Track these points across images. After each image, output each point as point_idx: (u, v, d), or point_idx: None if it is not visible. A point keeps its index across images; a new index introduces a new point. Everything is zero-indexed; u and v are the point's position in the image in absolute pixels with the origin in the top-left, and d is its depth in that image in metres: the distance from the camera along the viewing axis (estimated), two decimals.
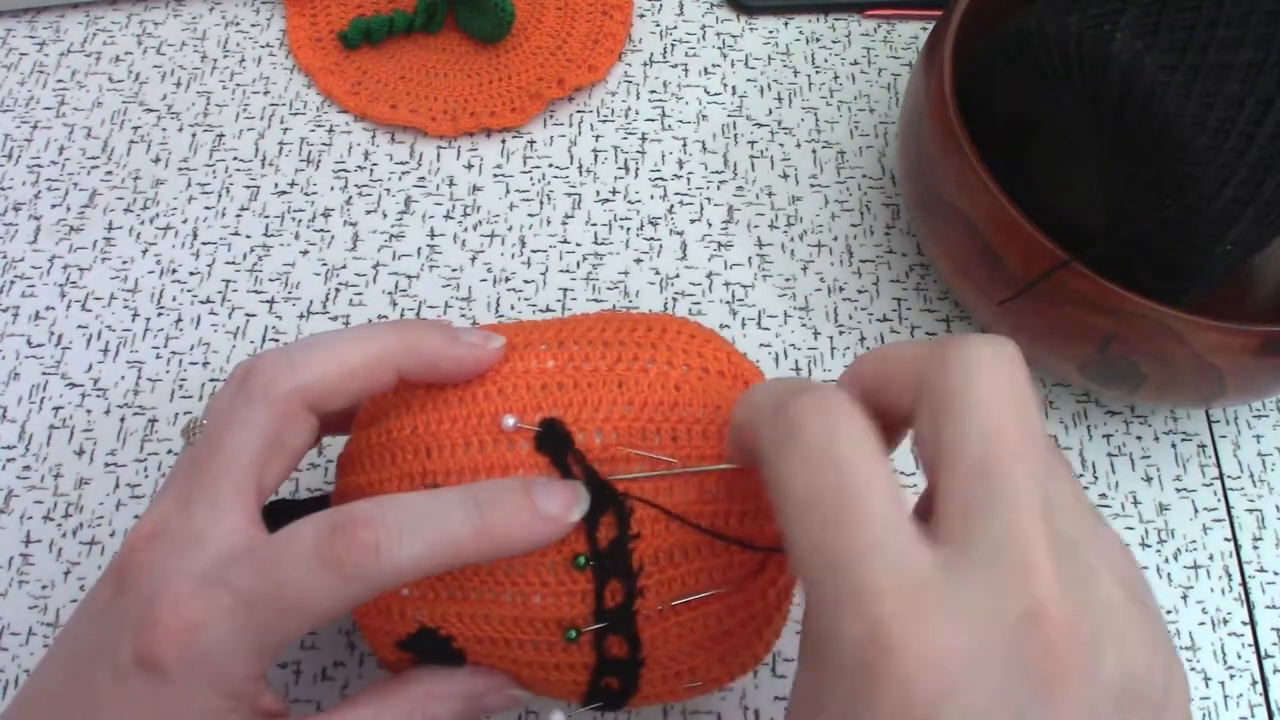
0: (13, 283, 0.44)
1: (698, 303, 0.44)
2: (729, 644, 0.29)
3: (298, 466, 0.31)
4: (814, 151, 0.49)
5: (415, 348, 0.29)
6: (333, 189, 0.46)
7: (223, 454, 0.27)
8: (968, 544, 0.20)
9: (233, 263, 0.44)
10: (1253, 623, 0.39)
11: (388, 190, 0.47)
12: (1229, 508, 0.42)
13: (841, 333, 0.44)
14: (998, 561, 0.19)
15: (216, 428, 0.28)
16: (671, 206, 0.47)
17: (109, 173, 0.46)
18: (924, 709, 0.18)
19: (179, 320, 0.43)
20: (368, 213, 0.46)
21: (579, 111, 0.49)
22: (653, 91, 0.50)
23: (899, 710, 0.18)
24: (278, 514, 0.31)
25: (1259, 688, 0.38)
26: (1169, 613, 0.39)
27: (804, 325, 0.44)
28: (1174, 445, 0.43)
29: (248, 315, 0.43)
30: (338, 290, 0.44)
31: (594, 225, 0.46)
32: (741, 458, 0.26)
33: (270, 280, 0.44)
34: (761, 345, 0.44)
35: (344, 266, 0.45)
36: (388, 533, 0.25)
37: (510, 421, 0.28)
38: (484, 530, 0.26)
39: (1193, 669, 0.38)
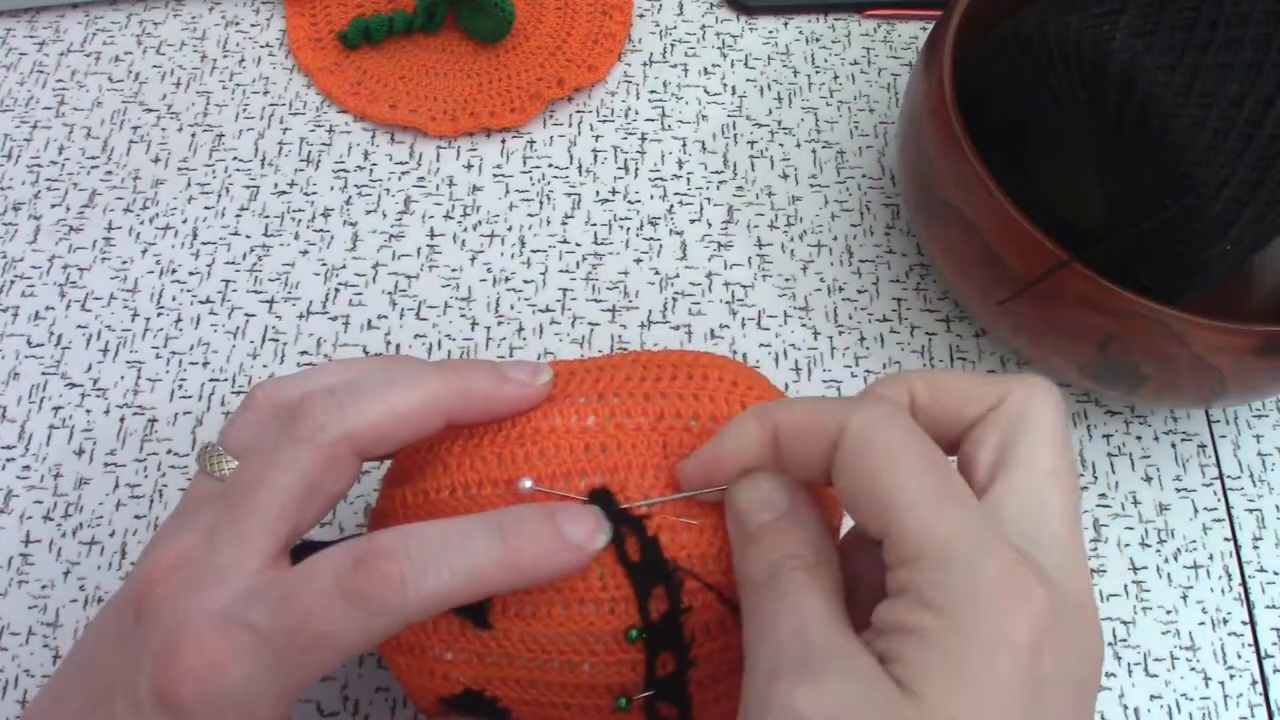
0: (13, 283, 0.44)
1: (697, 303, 0.44)
2: None
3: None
4: (814, 151, 0.49)
5: (465, 393, 0.28)
6: (332, 189, 0.46)
7: (262, 492, 0.26)
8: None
9: (232, 263, 0.44)
10: (1253, 623, 0.39)
11: (387, 190, 0.47)
12: (1229, 508, 0.41)
13: (841, 333, 0.44)
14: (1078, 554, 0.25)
15: (257, 464, 0.27)
16: (671, 206, 0.47)
17: (109, 173, 0.46)
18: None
19: (179, 320, 0.43)
20: (367, 213, 0.46)
21: (579, 111, 0.49)
22: (652, 91, 0.50)
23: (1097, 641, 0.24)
24: (305, 555, 0.31)
25: (1259, 688, 0.38)
26: (1169, 613, 0.39)
27: (804, 325, 0.44)
28: (1174, 445, 0.43)
29: (247, 315, 0.43)
30: (337, 290, 0.44)
31: (594, 225, 0.46)
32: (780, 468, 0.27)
33: (270, 280, 0.44)
34: (761, 345, 0.44)
35: (344, 266, 0.45)
36: (412, 564, 0.25)
37: (527, 484, 0.27)
38: (509, 559, 0.25)
39: (1193, 669, 0.38)
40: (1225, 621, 0.39)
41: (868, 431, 0.24)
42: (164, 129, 0.48)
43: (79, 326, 0.43)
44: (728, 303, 0.45)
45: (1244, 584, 0.40)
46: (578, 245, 0.46)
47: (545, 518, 0.26)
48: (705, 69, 0.51)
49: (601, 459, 0.28)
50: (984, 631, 0.22)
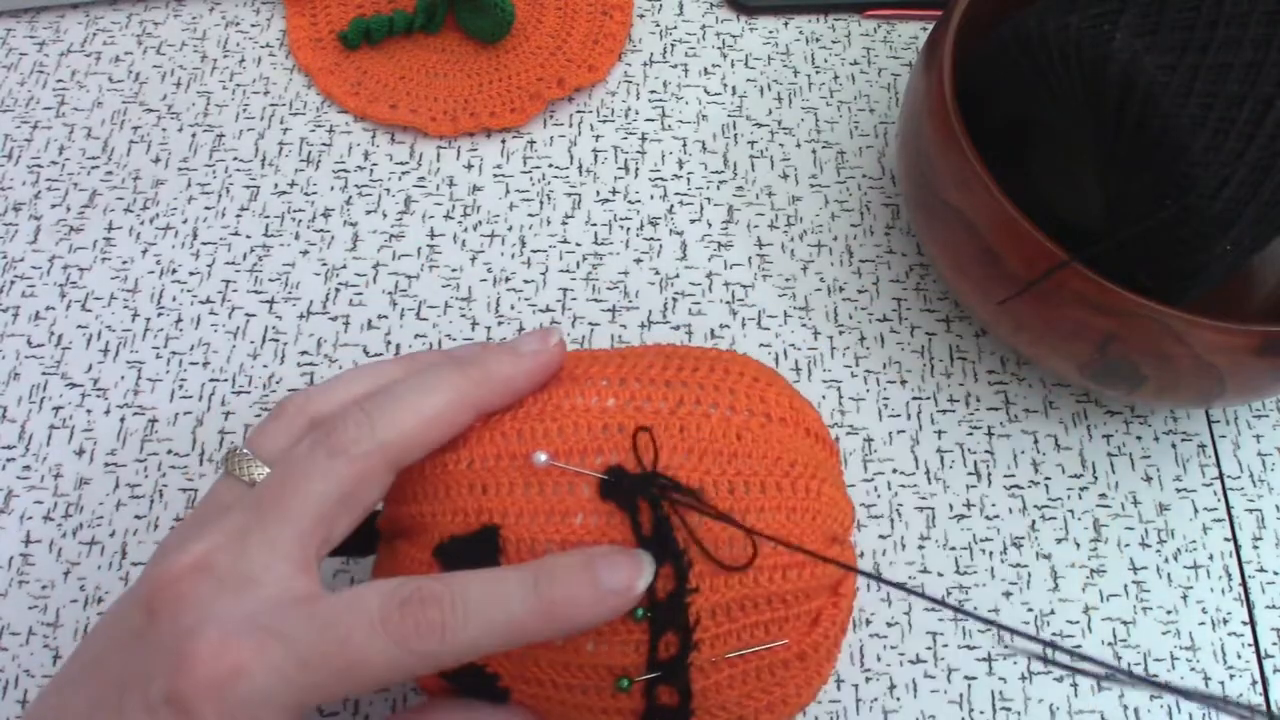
0: (13, 283, 0.44)
1: (697, 303, 0.44)
2: (779, 693, 0.29)
3: None
4: (814, 151, 0.49)
5: (488, 382, 0.29)
6: (333, 189, 0.46)
7: (296, 501, 0.27)
8: None
9: (233, 263, 0.44)
10: (1253, 623, 0.39)
11: (388, 190, 0.47)
12: (1229, 508, 0.41)
13: (841, 333, 0.44)
14: None
15: (291, 473, 0.27)
16: (671, 206, 0.47)
17: (109, 173, 0.46)
18: None
19: (179, 320, 0.43)
20: (368, 213, 0.46)
21: (579, 111, 0.49)
22: (653, 91, 0.50)
23: None
24: None
25: (1259, 688, 0.38)
26: (1169, 613, 0.39)
27: (804, 325, 0.44)
28: (1174, 445, 0.43)
29: (248, 315, 0.43)
30: (338, 290, 0.44)
31: (594, 225, 0.46)
32: None
33: (270, 280, 0.44)
34: (761, 345, 0.44)
35: (344, 266, 0.45)
36: (454, 614, 0.25)
37: (542, 458, 0.28)
38: (545, 611, 0.26)
39: (1192, 669, 0.38)
40: (1225, 621, 0.39)
41: None
42: (164, 129, 0.48)
43: (79, 326, 0.43)
44: (728, 303, 0.45)
45: (1244, 584, 0.40)
46: (578, 245, 0.46)
47: (582, 568, 0.26)
48: (705, 69, 0.51)
49: (619, 439, 0.28)
50: None
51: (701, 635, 0.27)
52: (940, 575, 0.39)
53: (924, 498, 0.41)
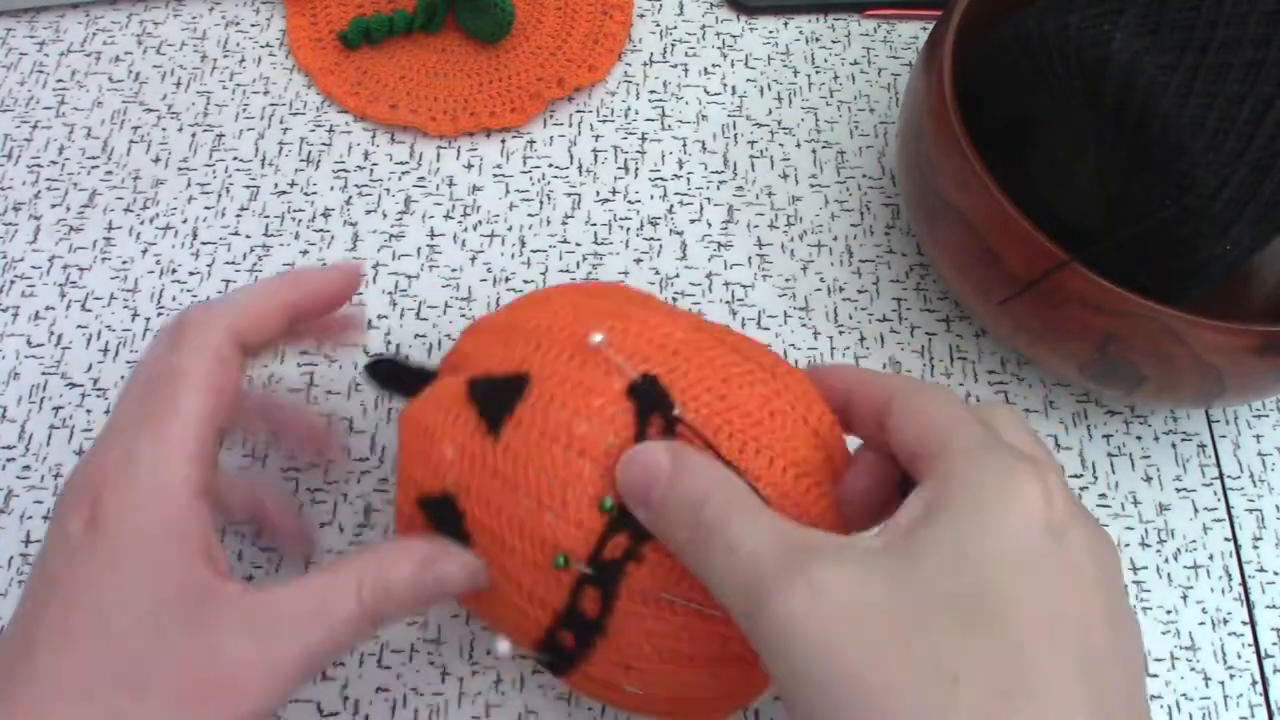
0: (13, 283, 0.44)
1: (697, 303, 0.44)
2: (685, 674, 0.29)
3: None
4: (814, 151, 0.49)
5: (298, 288, 0.33)
6: (333, 189, 0.46)
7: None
8: None
9: (233, 263, 0.44)
10: (1253, 623, 0.39)
11: (387, 190, 0.47)
12: (1229, 508, 0.42)
13: (841, 333, 0.44)
14: None
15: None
16: (671, 206, 0.47)
17: (109, 173, 0.46)
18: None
19: None
20: (368, 213, 0.46)
21: (579, 111, 0.49)
22: (653, 91, 0.50)
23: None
24: (386, 373, 0.35)
25: (1259, 688, 0.38)
26: (1169, 613, 0.39)
27: (804, 325, 0.44)
28: (1174, 445, 0.43)
29: None
30: None
31: (594, 225, 0.46)
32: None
33: None
34: None
35: None
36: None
37: (598, 338, 0.29)
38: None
39: (1192, 669, 0.38)
40: (1225, 621, 0.39)
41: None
42: (164, 129, 0.48)
43: (79, 326, 0.43)
44: (728, 303, 0.45)
45: (1244, 584, 0.40)
46: (578, 245, 0.46)
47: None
48: (705, 69, 0.51)
49: (668, 358, 0.29)
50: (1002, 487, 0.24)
51: (649, 553, 0.28)
52: None
53: None
